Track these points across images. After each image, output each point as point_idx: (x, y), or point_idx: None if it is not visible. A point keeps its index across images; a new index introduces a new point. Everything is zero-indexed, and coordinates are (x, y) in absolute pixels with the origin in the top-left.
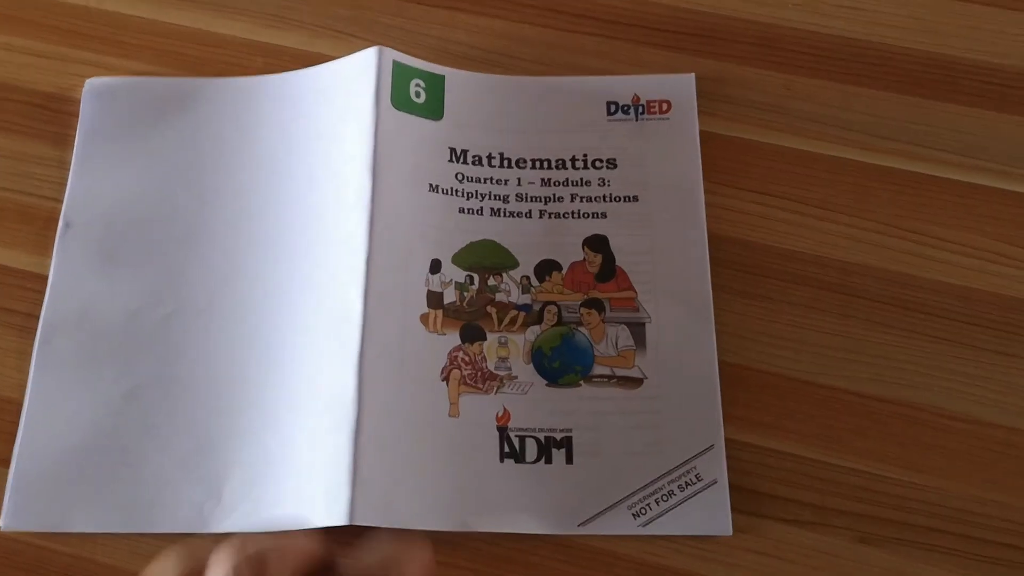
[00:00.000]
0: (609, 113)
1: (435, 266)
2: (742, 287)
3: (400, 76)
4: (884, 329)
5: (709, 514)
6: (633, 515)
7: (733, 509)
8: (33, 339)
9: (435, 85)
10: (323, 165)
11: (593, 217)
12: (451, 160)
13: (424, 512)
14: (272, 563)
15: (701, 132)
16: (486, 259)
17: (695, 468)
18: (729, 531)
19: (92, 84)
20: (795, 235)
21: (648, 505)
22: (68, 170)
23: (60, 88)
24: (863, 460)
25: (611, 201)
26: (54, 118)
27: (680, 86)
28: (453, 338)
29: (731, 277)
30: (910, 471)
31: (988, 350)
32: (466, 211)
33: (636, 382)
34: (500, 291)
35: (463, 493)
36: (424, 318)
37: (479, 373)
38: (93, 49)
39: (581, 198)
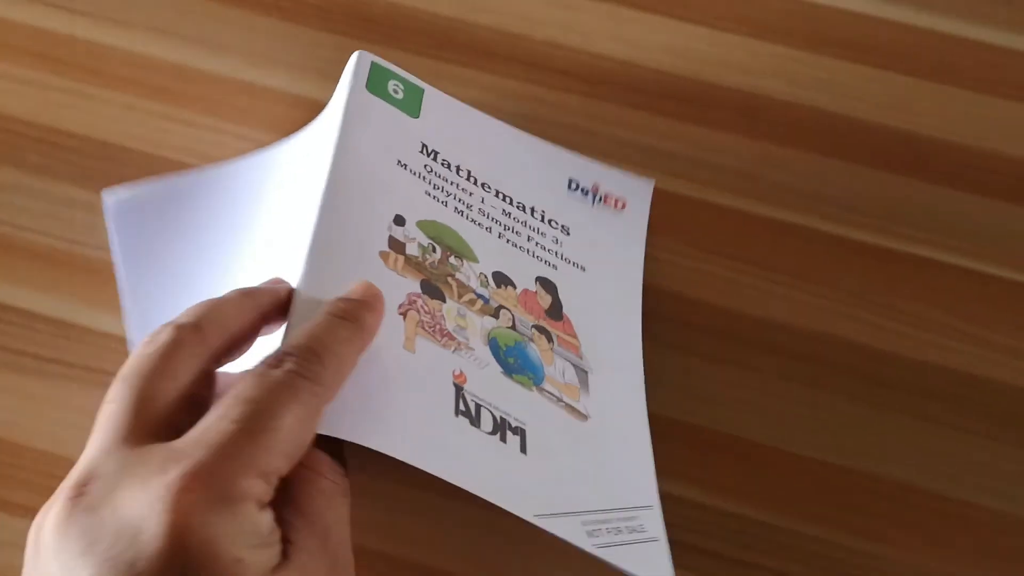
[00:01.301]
0: (569, 188)
1: (400, 220)
2: (712, 351)
3: (378, 73)
4: (850, 400)
5: (650, 559)
6: (587, 532)
7: (692, 569)
8: None
9: (413, 92)
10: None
11: (545, 264)
12: (423, 153)
13: (389, 435)
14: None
15: (676, 196)
16: (449, 240)
17: (638, 518)
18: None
19: (111, 199)
20: (766, 303)
21: (600, 530)
22: None
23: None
24: (824, 527)
25: (562, 260)
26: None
27: (638, 189)
28: (413, 285)
29: (701, 340)
30: (869, 541)
31: (945, 424)
32: (432, 196)
33: (581, 415)
34: (460, 272)
35: (421, 428)
36: (384, 255)
37: (437, 327)
38: (74, 77)
39: (537, 243)
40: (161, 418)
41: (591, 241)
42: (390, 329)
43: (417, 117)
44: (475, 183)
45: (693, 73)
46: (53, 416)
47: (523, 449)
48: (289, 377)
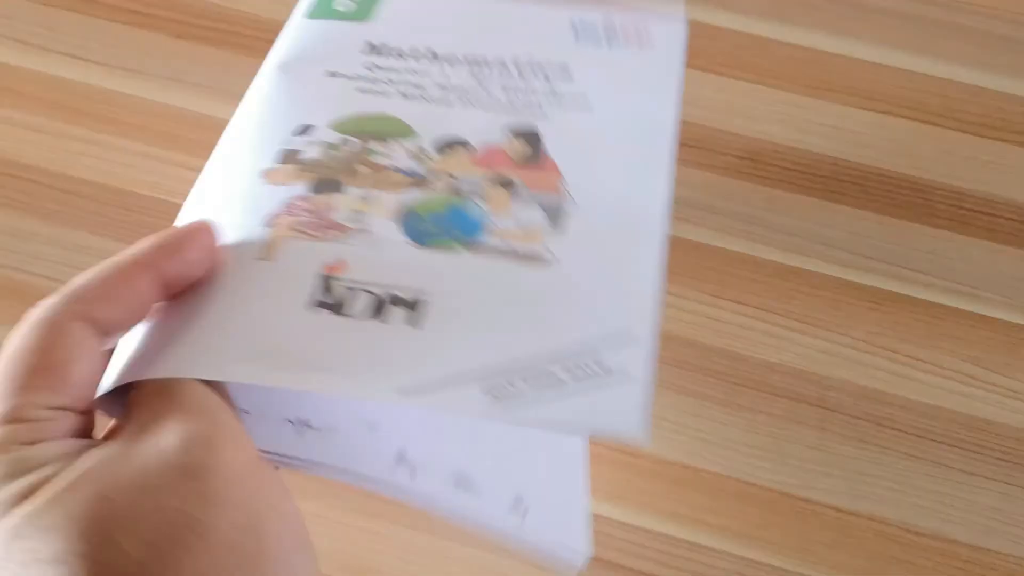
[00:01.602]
0: (577, 36)
1: (302, 129)
2: (724, 397)
3: None
4: (859, 444)
5: (614, 410)
6: (488, 394)
7: None
8: None
9: None
10: None
11: (529, 111)
12: (367, 53)
13: (204, 359)
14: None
15: (685, 241)
16: (372, 127)
17: (606, 352)
18: (641, 433)
19: None
20: (775, 347)
21: (514, 385)
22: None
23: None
24: (836, 573)
25: (556, 106)
26: (49, 193)
27: (665, 21)
28: (295, 190)
29: (713, 386)
30: None
31: (954, 468)
32: (369, 92)
33: (539, 261)
34: (381, 154)
35: (251, 337)
36: (269, 173)
37: (320, 221)
38: (89, 126)
39: (519, 91)
40: None
41: (608, 86)
42: (246, 245)
43: (367, 20)
44: (437, 61)
45: (699, 118)
46: None
47: (413, 323)
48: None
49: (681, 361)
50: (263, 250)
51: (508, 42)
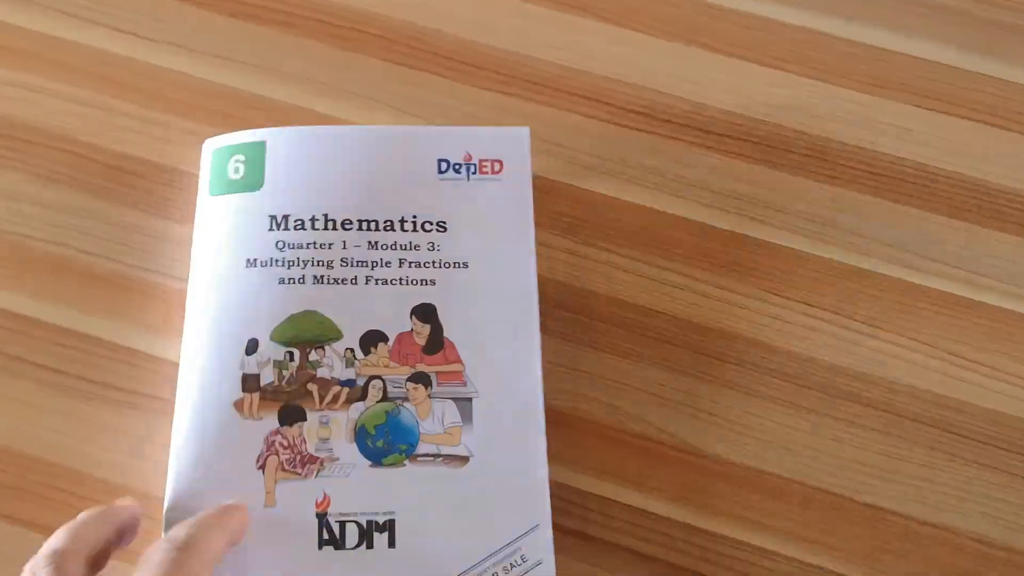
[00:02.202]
0: (440, 171)
1: (252, 346)
2: (788, 398)
3: (218, 161)
4: (927, 451)
5: None
6: None
7: None
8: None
9: (255, 154)
10: None
11: (422, 284)
12: (271, 229)
13: None
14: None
15: (747, 239)
16: (307, 331)
17: (520, 549)
18: None
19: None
20: (841, 349)
21: None
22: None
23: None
24: None
25: (440, 267)
26: (98, 169)
27: (513, 142)
28: (271, 422)
29: (777, 387)
30: None
31: (1020, 476)
32: (287, 281)
33: (462, 460)
34: (323, 366)
35: None
36: (239, 404)
37: (298, 457)
38: (137, 101)
39: (410, 263)
40: None
41: (472, 225)
42: (252, 492)
43: (260, 188)
44: (333, 227)
45: (763, 114)
46: (114, 443)
47: (392, 543)
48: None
49: (744, 361)
50: (267, 497)
51: (382, 188)
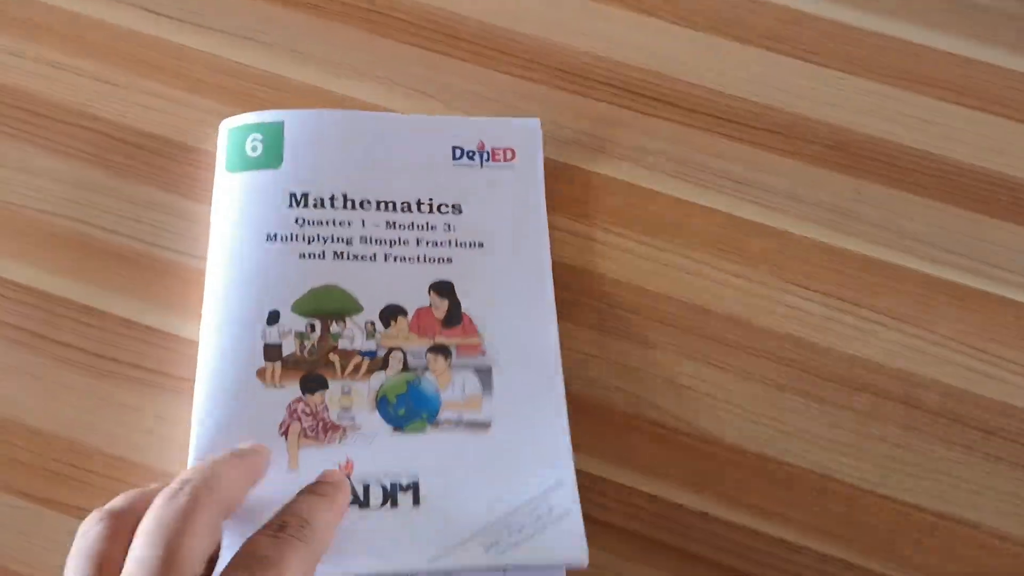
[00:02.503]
0: (455, 157)
1: (273, 317)
2: (806, 389)
3: (235, 139)
4: (945, 444)
5: (564, 544)
6: (484, 548)
7: None
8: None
9: (273, 134)
10: None
11: (439, 262)
12: (291, 206)
13: None
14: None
15: (767, 228)
16: (328, 304)
17: (548, 500)
18: (584, 562)
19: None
20: (860, 341)
21: (500, 537)
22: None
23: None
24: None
25: (457, 247)
26: (117, 147)
27: (526, 132)
28: (293, 390)
29: (795, 378)
30: None
31: None
32: (307, 256)
33: (484, 426)
34: (344, 337)
35: None
36: (261, 372)
37: (320, 424)
38: (160, 80)
39: (427, 242)
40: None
41: (487, 208)
42: (275, 455)
43: (279, 166)
44: (352, 206)
45: (788, 105)
46: (132, 421)
47: (416, 501)
48: (290, 539)
49: (763, 351)
50: (290, 461)
51: (399, 171)
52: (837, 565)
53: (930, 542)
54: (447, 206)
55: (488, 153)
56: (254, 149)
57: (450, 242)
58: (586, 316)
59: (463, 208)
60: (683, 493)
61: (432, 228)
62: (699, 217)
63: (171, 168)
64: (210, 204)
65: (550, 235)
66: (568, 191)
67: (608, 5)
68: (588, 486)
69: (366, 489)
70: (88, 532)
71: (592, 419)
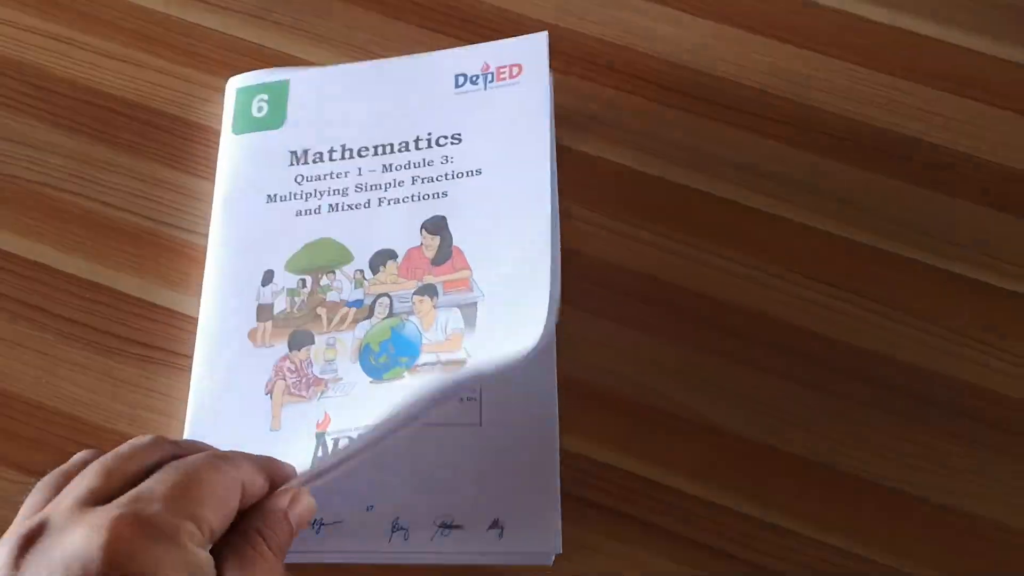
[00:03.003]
0: (457, 86)
1: (267, 278)
2: (812, 380)
3: (242, 100)
4: (951, 439)
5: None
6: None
7: None
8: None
9: (278, 93)
10: None
11: (434, 198)
12: (292, 164)
13: None
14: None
15: (776, 218)
16: (320, 258)
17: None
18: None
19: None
20: (868, 333)
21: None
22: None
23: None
24: (925, 568)
25: (453, 179)
26: (125, 124)
27: (532, 47)
28: (282, 348)
29: (802, 368)
30: None
31: None
32: (304, 212)
33: (459, 363)
34: (332, 290)
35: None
36: (252, 333)
37: (303, 380)
38: (169, 58)
39: (422, 179)
40: (118, 491)
41: (488, 132)
42: (259, 415)
43: (281, 125)
44: (350, 156)
45: (797, 96)
46: (132, 398)
47: (385, 452)
48: (211, 457)
49: (768, 341)
50: (272, 421)
51: (401, 107)
52: (840, 555)
53: (934, 535)
54: (446, 138)
55: (492, 74)
56: (259, 110)
57: (447, 175)
58: (589, 302)
59: (463, 136)
60: (686, 480)
61: (429, 164)
62: (710, 206)
63: (178, 145)
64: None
65: (557, 156)
66: (576, 176)
67: None
68: (589, 471)
69: (335, 444)
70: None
71: (593, 404)
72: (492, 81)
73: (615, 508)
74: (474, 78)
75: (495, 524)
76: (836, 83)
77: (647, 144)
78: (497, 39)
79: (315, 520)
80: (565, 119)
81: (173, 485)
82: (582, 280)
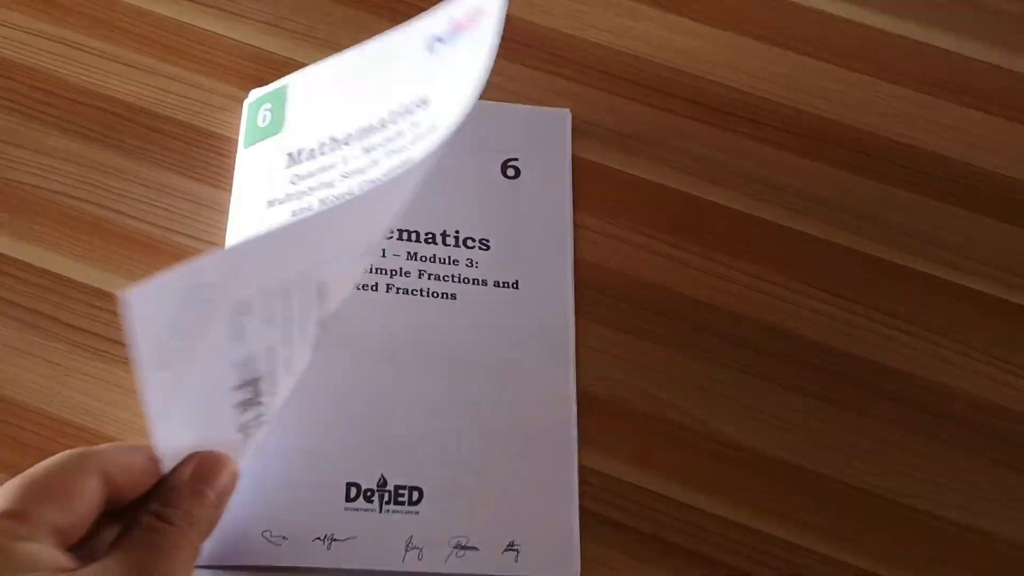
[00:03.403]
0: (429, 51)
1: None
2: (829, 395)
3: (251, 114)
4: (971, 456)
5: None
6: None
7: None
8: None
9: (278, 100)
10: None
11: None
12: (288, 165)
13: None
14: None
15: (792, 231)
16: None
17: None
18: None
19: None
20: (885, 348)
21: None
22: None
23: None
24: None
25: (419, 143)
26: (133, 129)
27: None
28: None
29: (819, 383)
30: None
31: None
32: (297, 213)
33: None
34: None
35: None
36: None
37: None
38: (179, 64)
39: (392, 149)
40: None
41: (448, 90)
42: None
43: (281, 130)
44: (338, 146)
45: (815, 108)
46: (137, 408)
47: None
48: (63, 455)
49: (786, 355)
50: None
51: (382, 91)
52: (852, 572)
53: (953, 555)
54: (417, 105)
55: (458, 26)
56: (264, 119)
57: (414, 138)
58: (606, 315)
59: (429, 100)
60: (699, 495)
61: (400, 135)
62: (723, 218)
63: (189, 153)
64: (228, 191)
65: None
66: (593, 188)
67: (638, 3)
68: (603, 486)
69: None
70: None
71: (610, 419)
72: (459, 33)
73: (633, 526)
74: (441, 38)
75: (511, 546)
76: (856, 96)
77: (665, 156)
78: (509, 47)
79: (327, 535)
80: (582, 132)
81: (6, 489)
82: (599, 293)
